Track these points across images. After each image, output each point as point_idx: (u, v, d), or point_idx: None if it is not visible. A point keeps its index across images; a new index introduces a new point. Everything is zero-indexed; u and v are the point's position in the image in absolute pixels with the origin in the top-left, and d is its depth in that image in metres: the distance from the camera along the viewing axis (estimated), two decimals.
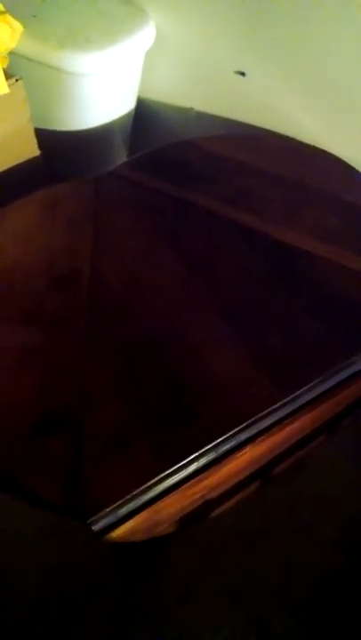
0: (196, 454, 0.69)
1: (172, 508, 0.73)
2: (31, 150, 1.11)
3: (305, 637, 1.12)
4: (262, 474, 0.89)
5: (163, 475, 0.68)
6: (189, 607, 1.14)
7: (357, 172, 1.05)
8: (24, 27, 0.97)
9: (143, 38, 1.19)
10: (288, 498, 1.28)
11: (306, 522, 1.26)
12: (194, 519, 0.84)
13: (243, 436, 0.72)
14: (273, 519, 1.26)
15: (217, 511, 0.89)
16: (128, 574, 1.16)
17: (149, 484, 0.67)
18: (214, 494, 0.80)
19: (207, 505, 0.81)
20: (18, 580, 1.15)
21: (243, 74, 1.18)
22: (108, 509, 0.65)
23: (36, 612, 1.11)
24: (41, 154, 1.14)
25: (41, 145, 1.14)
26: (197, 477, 0.71)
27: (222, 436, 0.71)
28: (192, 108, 1.33)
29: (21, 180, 1.11)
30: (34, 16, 1.16)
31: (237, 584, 1.17)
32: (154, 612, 1.13)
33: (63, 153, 1.30)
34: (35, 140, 1.11)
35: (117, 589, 1.14)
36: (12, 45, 0.93)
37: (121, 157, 1.42)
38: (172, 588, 1.16)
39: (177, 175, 1.03)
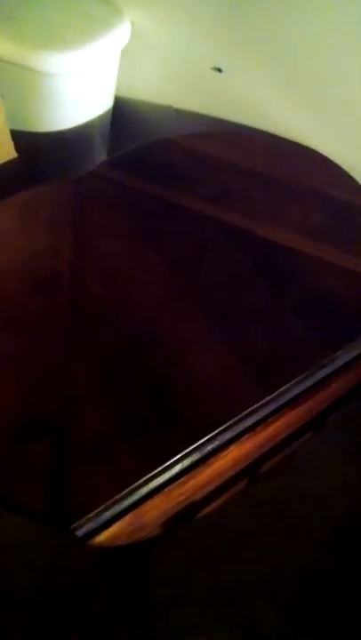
0: (180, 455, 0.69)
1: (156, 510, 0.73)
2: (8, 153, 1.10)
3: (296, 636, 1.11)
4: (249, 473, 0.88)
5: (146, 477, 0.67)
6: (180, 608, 1.13)
7: (340, 168, 1.05)
8: None
9: (119, 36, 1.18)
10: (278, 496, 1.28)
11: (296, 520, 1.26)
12: (179, 521, 0.83)
13: (227, 436, 0.72)
14: (263, 518, 1.25)
15: (203, 512, 0.89)
16: (117, 577, 1.16)
17: (132, 487, 0.67)
18: (199, 495, 0.80)
19: (192, 506, 0.81)
20: (8, 586, 1.14)
21: (219, 70, 1.17)
22: (90, 515, 0.65)
23: (30, 617, 1.11)
24: (19, 156, 1.13)
25: (18, 147, 1.12)
26: (182, 479, 0.70)
27: (206, 436, 0.70)
28: (171, 106, 1.32)
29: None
30: (7, 17, 1.15)
31: (228, 584, 1.17)
32: (145, 613, 1.12)
33: (41, 154, 1.29)
34: (11, 143, 1.09)
35: (107, 593, 1.14)
36: None
37: (101, 157, 1.40)
38: (162, 588, 1.15)
39: (158, 174, 1.02)
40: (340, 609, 1.15)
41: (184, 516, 0.83)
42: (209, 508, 0.89)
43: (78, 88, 1.20)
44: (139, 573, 1.16)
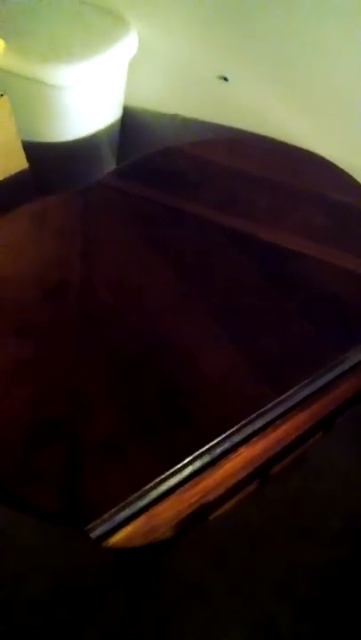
0: (191, 457, 0.70)
1: (168, 512, 0.74)
2: (19, 164, 1.12)
3: (312, 636, 1.12)
4: (259, 474, 0.89)
5: (158, 479, 0.68)
6: (195, 608, 1.14)
7: (343, 171, 1.06)
8: (6, 42, 0.98)
9: (126, 48, 1.20)
10: (290, 496, 1.28)
11: (309, 520, 1.26)
12: (192, 523, 0.84)
13: (237, 438, 0.73)
14: (275, 518, 1.26)
15: (215, 514, 0.90)
16: (132, 579, 1.17)
17: (145, 488, 0.68)
18: (211, 497, 0.81)
19: (204, 508, 0.82)
20: (26, 587, 1.16)
21: (225, 79, 1.19)
22: (104, 516, 0.66)
23: (45, 619, 1.12)
24: (30, 166, 1.15)
25: (29, 157, 1.15)
26: (193, 480, 0.72)
27: (216, 438, 0.71)
28: (178, 114, 1.34)
29: (10, 193, 1.12)
30: (16, 31, 1.17)
31: (242, 584, 1.18)
32: (160, 614, 1.13)
33: (52, 164, 1.31)
34: (23, 154, 1.11)
35: (122, 594, 1.15)
36: None
37: (110, 166, 1.43)
38: (178, 589, 1.16)
39: (164, 182, 1.04)
40: (356, 608, 1.16)
41: (197, 518, 0.84)
42: (221, 510, 0.90)
43: (86, 99, 1.22)
44: (154, 574, 1.17)
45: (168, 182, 1.03)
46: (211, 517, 0.90)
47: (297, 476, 1.30)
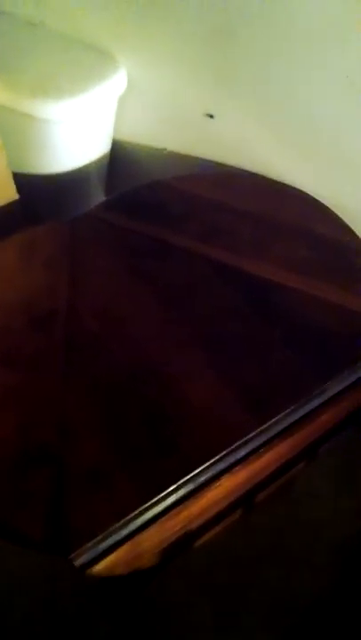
0: (175, 486, 0.71)
1: (152, 540, 0.74)
2: (10, 194, 1.14)
3: None
4: (243, 502, 0.90)
5: (143, 507, 0.69)
6: (181, 636, 1.13)
7: (326, 206, 1.10)
8: None
9: (114, 85, 1.24)
10: (276, 525, 1.29)
11: (294, 548, 1.27)
12: (176, 551, 0.85)
13: (220, 466, 0.74)
14: (261, 547, 1.26)
15: (199, 542, 0.90)
16: (117, 607, 1.16)
17: (130, 517, 0.68)
18: (195, 525, 0.81)
19: (188, 536, 0.83)
20: (10, 614, 1.14)
21: (211, 116, 1.23)
22: (88, 544, 0.66)
23: None
24: (19, 198, 1.17)
25: (18, 189, 1.17)
26: (177, 509, 0.72)
27: (200, 466, 0.72)
28: (165, 149, 1.38)
29: (1, 224, 1.14)
30: (6, 66, 1.21)
31: (228, 611, 1.17)
32: None
33: (41, 196, 1.33)
34: (13, 185, 1.14)
35: (108, 622, 1.14)
36: None
37: (98, 198, 1.45)
38: (164, 617, 1.15)
39: (151, 215, 1.06)
40: (341, 635, 1.15)
41: (181, 546, 0.84)
42: (205, 538, 0.90)
43: (75, 134, 1.25)
44: (140, 602, 1.16)
45: (155, 215, 1.06)
46: (195, 545, 0.91)
47: (283, 504, 1.31)
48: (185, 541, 0.84)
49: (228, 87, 1.19)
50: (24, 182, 1.20)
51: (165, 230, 1.03)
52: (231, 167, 1.28)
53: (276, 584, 1.21)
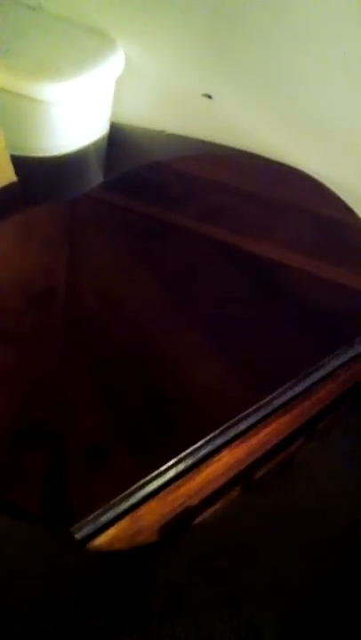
0: (175, 460, 0.71)
1: (152, 515, 0.75)
2: (8, 176, 1.14)
3: None
4: (242, 479, 0.91)
5: (142, 482, 0.70)
6: (180, 618, 1.14)
7: (326, 186, 1.09)
8: None
9: (113, 66, 1.24)
10: (278, 507, 1.29)
11: (296, 530, 1.27)
12: (176, 527, 0.85)
13: (220, 441, 0.74)
14: (263, 528, 1.27)
15: (199, 519, 0.91)
16: (118, 587, 1.16)
17: (129, 491, 0.69)
18: (194, 501, 0.82)
19: (188, 512, 0.83)
20: (9, 596, 1.15)
21: (209, 96, 1.23)
22: (89, 517, 0.67)
23: (29, 630, 1.11)
24: (18, 180, 1.17)
25: (17, 171, 1.17)
26: (177, 483, 0.73)
27: (199, 441, 0.73)
28: (163, 131, 1.37)
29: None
30: (6, 50, 1.20)
31: (229, 593, 1.18)
32: (146, 622, 1.13)
33: (39, 179, 1.34)
34: (11, 167, 1.14)
35: (108, 602, 1.14)
36: None
37: (97, 180, 1.45)
38: (164, 598, 1.16)
39: (151, 195, 1.06)
40: (342, 619, 1.16)
41: (181, 522, 0.85)
42: (205, 515, 0.91)
43: (73, 116, 1.25)
44: (140, 583, 1.17)
45: (155, 195, 1.06)
46: (195, 522, 0.91)
47: (284, 486, 1.31)
48: (185, 518, 0.85)
49: (226, 68, 1.18)
50: (22, 164, 1.20)
51: (166, 210, 1.02)
52: (230, 148, 1.28)
53: (277, 566, 1.22)
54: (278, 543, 1.25)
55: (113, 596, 1.16)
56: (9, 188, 1.15)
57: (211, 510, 0.91)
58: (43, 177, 1.34)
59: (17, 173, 1.16)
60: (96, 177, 1.45)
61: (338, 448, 1.39)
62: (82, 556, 1.16)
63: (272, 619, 1.15)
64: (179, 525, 0.85)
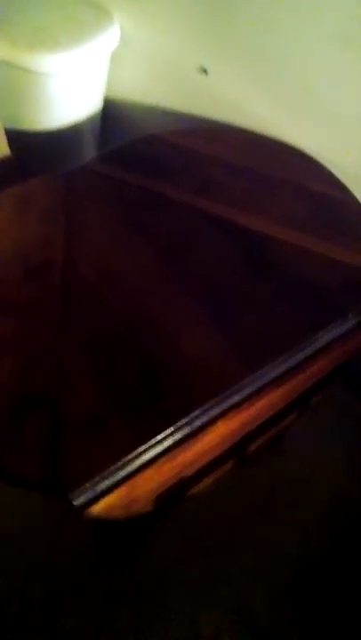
0: (171, 430, 0.72)
1: (149, 484, 0.76)
2: (1, 149, 1.13)
3: (289, 620, 1.15)
4: (236, 451, 0.92)
5: (139, 450, 0.71)
6: (174, 592, 1.16)
7: (318, 162, 1.10)
8: None
9: (108, 39, 1.23)
10: (269, 482, 1.31)
11: (285, 508, 1.29)
12: (171, 498, 0.87)
13: (215, 411, 0.75)
14: (255, 503, 1.29)
15: (193, 490, 0.92)
16: (112, 561, 1.18)
17: (126, 459, 0.70)
18: (190, 471, 0.83)
19: (183, 482, 0.84)
20: (4, 573, 1.17)
21: (205, 71, 1.22)
22: (86, 485, 0.68)
23: (25, 606, 1.13)
24: (11, 154, 1.16)
25: (11, 145, 1.16)
26: (172, 452, 0.74)
27: (194, 411, 0.74)
28: (158, 106, 1.37)
29: None
30: (2, 20, 1.19)
31: (220, 568, 1.20)
32: (139, 597, 1.15)
33: (33, 153, 1.33)
34: (5, 139, 1.13)
35: (102, 576, 1.16)
36: None
37: (90, 155, 1.44)
38: (157, 573, 1.18)
39: (146, 168, 1.06)
40: (333, 593, 1.19)
41: (176, 493, 0.86)
42: (199, 487, 0.92)
43: (69, 88, 1.24)
44: (133, 558, 1.19)
45: (150, 168, 1.06)
46: (189, 494, 0.93)
47: (275, 464, 1.33)
48: (180, 489, 0.86)
49: (222, 43, 1.17)
50: (16, 138, 1.19)
51: (161, 183, 1.03)
52: (224, 123, 1.27)
53: (266, 543, 1.24)
54: (268, 519, 1.27)
55: (106, 570, 1.17)
56: (3, 161, 1.14)
57: (205, 482, 0.92)
58: (37, 150, 1.33)
59: (11, 147, 1.15)
60: (89, 151, 1.44)
61: (326, 423, 1.41)
62: (76, 530, 1.17)
63: (263, 592, 1.18)
64: (174, 496, 0.86)
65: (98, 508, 0.71)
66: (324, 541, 1.26)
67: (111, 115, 1.44)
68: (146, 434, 0.72)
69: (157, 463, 0.73)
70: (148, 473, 0.73)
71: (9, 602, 1.13)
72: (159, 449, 0.73)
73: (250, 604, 1.16)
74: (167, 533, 1.21)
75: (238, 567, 1.21)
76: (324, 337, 0.84)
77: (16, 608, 1.12)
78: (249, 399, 0.78)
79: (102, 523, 0.98)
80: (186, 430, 0.74)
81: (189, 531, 1.24)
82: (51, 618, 1.12)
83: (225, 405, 0.76)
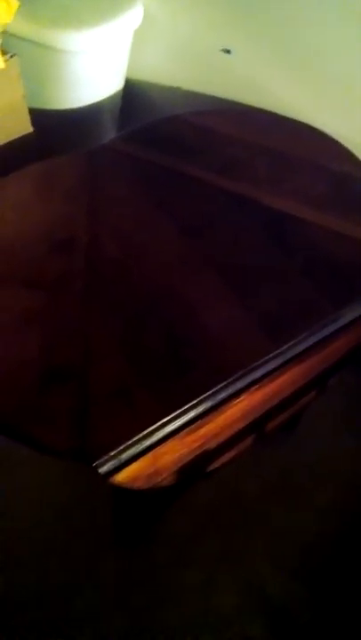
0: (195, 402, 0.73)
1: (171, 454, 0.77)
2: (24, 127, 1.14)
3: (301, 600, 1.16)
4: (256, 427, 0.93)
5: (163, 421, 0.72)
6: (187, 571, 1.17)
7: (339, 142, 1.10)
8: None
9: (132, 18, 1.23)
10: (283, 465, 1.32)
11: (299, 491, 1.30)
12: (192, 471, 0.88)
13: (238, 385, 0.76)
14: (269, 484, 1.30)
15: (214, 464, 0.93)
16: (127, 539, 1.20)
17: (150, 429, 0.71)
18: (212, 444, 0.84)
19: (205, 456, 0.85)
20: (19, 548, 1.18)
21: (228, 51, 1.22)
22: (112, 453, 0.69)
23: (40, 584, 1.15)
24: (34, 131, 1.17)
25: (33, 123, 1.17)
26: (196, 424, 0.75)
27: (219, 384, 0.75)
28: (179, 88, 1.37)
29: (15, 156, 1.14)
30: None
31: (234, 548, 1.21)
32: (152, 576, 1.16)
33: (55, 131, 1.33)
34: (28, 117, 1.14)
35: (117, 554, 1.18)
36: (7, 20, 0.96)
37: (110, 135, 1.45)
38: (171, 552, 1.19)
39: (168, 147, 1.06)
40: (345, 574, 1.20)
41: (197, 466, 0.87)
42: (220, 461, 0.93)
43: (92, 66, 1.24)
44: (148, 537, 1.20)
45: (173, 148, 1.06)
46: (210, 469, 0.94)
47: (289, 448, 1.34)
48: (201, 462, 0.87)
49: (246, 22, 1.17)
50: (39, 117, 1.19)
51: (184, 162, 1.03)
52: (247, 106, 1.27)
53: (281, 524, 1.25)
54: (282, 500, 1.28)
55: (122, 549, 1.19)
56: (25, 138, 1.15)
57: (226, 457, 0.93)
58: (59, 129, 1.33)
59: (34, 125, 1.16)
60: (110, 131, 1.45)
61: (337, 408, 1.42)
62: (92, 509, 1.19)
63: (277, 572, 1.18)
64: (195, 469, 0.87)
65: (122, 477, 0.72)
66: (337, 524, 1.27)
67: (132, 95, 1.44)
68: (170, 405, 0.72)
69: (181, 434, 0.74)
70: (172, 444, 0.74)
71: (25, 580, 1.14)
72: (183, 420, 0.73)
73: (264, 584, 1.17)
74: (182, 513, 1.22)
75: (253, 547, 1.22)
76: (348, 314, 0.84)
77: (32, 587, 1.14)
78: (272, 374, 0.79)
79: (122, 498, 0.99)
80: (210, 403, 0.75)
81: (204, 510, 1.25)
82: (65, 596, 1.13)
83: (249, 379, 0.77)
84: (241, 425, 0.87)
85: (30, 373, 0.75)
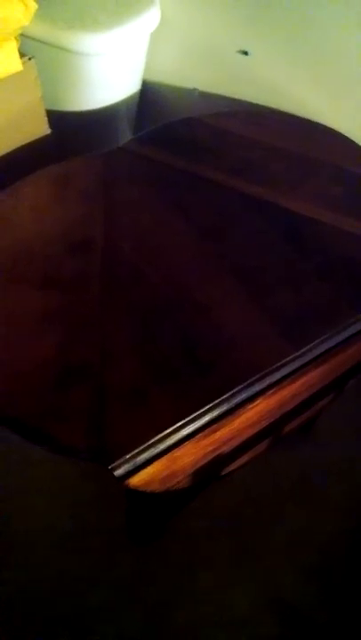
0: (211, 405, 0.73)
1: (187, 458, 0.77)
2: (42, 129, 1.15)
3: (317, 600, 1.15)
4: (272, 431, 0.92)
5: (179, 424, 0.71)
6: (202, 570, 1.17)
7: (356, 144, 1.09)
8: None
9: (149, 20, 1.23)
10: (298, 466, 1.31)
11: (314, 490, 1.29)
12: (207, 474, 0.87)
13: (255, 388, 0.75)
14: (284, 485, 1.29)
15: (229, 468, 0.93)
16: (143, 538, 1.19)
17: (167, 432, 0.71)
18: (227, 448, 0.84)
19: (220, 459, 0.85)
20: (35, 546, 1.19)
21: (246, 53, 1.21)
22: (128, 456, 0.69)
23: (56, 580, 1.15)
24: (51, 132, 1.17)
25: (51, 125, 1.17)
26: (211, 427, 0.74)
27: (235, 387, 0.74)
28: (195, 89, 1.36)
29: (33, 157, 1.14)
30: (44, 1, 1.19)
31: (250, 548, 1.21)
32: (167, 575, 1.16)
33: (72, 132, 1.34)
34: (45, 119, 1.14)
35: (131, 556, 1.18)
36: (25, 22, 0.97)
37: (126, 137, 1.45)
38: (186, 552, 1.19)
39: (185, 149, 1.06)
40: (357, 573, 1.19)
41: (212, 470, 0.87)
42: (235, 464, 0.93)
43: (109, 69, 1.25)
44: (163, 534, 1.20)
45: (189, 149, 1.06)
46: (224, 473, 0.93)
47: (304, 450, 1.33)
48: (217, 465, 0.86)
49: (262, 23, 1.17)
50: (56, 118, 1.20)
51: (200, 164, 1.03)
52: (263, 107, 1.27)
53: (296, 524, 1.25)
54: (299, 500, 1.28)
55: (137, 546, 1.19)
56: (43, 140, 1.15)
57: (241, 460, 0.93)
58: (75, 131, 1.34)
59: (51, 127, 1.16)
60: (126, 134, 1.45)
61: (353, 411, 1.41)
62: (107, 507, 1.19)
63: (292, 572, 1.18)
64: (210, 472, 0.87)
65: (137, 479, 0.71)
66: (353, 525, 1.26)
67: (148, 97, 1.44)
68: (186, 408, 0.72)
69: (196, 438, 0.74)
70: (187, 447, 0.74)
71: (42, 577, 1.15)
72: (199, 424, 0.73)
73: (279, 585, 1.17)
74: (197, 512, 1.22)
75: (267, 547, 1.21)
76: None
77: (48, 582, 1.14)
78: (289, 377, 0.78)
79: (136, 499, 0.99)
80: (226, 406, 0.74)
81: (219, 510, 1.25)
82: (81, 592, 1.13)
83: (265, 383, 0.76)
84: (257, 428, 0.86)
85: (48, 373, 0.75)
